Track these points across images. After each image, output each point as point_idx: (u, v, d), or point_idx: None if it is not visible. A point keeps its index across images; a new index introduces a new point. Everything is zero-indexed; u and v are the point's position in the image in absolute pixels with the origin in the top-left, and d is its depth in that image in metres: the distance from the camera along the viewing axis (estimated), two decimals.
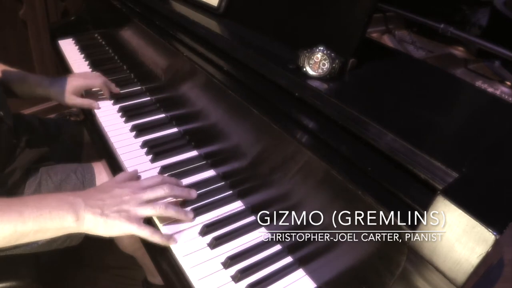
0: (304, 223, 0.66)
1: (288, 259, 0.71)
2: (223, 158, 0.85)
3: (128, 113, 1.05)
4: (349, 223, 0.58)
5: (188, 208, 0.76)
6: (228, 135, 0.83)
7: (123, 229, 0.66)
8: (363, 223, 0.56)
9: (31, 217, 0.61)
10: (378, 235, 0.53)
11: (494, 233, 0.40)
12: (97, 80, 1.11)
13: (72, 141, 1.25)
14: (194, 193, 0.78)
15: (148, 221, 0.73)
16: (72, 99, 1.09)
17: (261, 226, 0.76)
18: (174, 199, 0.76)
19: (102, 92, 1.13)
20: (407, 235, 0.48)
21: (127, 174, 0.79)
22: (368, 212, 0.54)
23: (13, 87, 1.10)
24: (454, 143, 0.59)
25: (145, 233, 0.67)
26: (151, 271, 1.31)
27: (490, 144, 0.58)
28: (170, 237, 0.70)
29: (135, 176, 0.81)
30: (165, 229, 0.73)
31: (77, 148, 1.26)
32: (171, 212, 0.71)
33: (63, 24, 1.63)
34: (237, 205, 0.80)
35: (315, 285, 0.67)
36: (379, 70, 0.80)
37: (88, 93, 1.13)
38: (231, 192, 0.82)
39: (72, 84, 1.09)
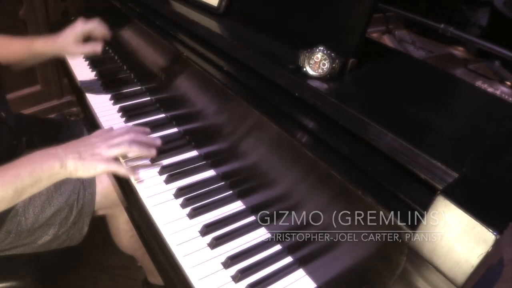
0: (304, 223, 0.66)
1: (288, 259, 0.71)
2: (223, 158, 0.85)
3: (128, 113, 1.05)
4: (349, 223, 0.58)
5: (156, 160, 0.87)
6: (228, 135, 0.83)
7: (98, 169, 0.77)
8: (363, 223, 0.56)
9: (26, 173, 0.72)
10: (378, 235, 0.53)
11: (494, 233, 0.40)
12: (94, 23, 1.09)
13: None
14: (158, 141, 0.87)
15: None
16: (75, 47, 1.08)
17: (261, 226, 0.76)
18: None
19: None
20: (407, 235, 0.48)
21: (102, 130, 0.89)
22: (368, 212, 0.54)
23: (20, 59, 1.09)
24: (454, 143, 0.59)
25: (113, 167, 0.79)
26: (151, 271, 1.31)
27: (490, 144, 0.58)
28: (133, 170, 0.84)
29: (111, 130, 0.90)
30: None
31: None
32: (134, 149, 0.82)
33: (63, 24, 1.62)
34: (237, 205, 0.80)
35: (315, 285, 0.67)
36: (379, 70, 0.80)
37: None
38: (231, 192, 0.82)
39: (72, 31, 1.08)
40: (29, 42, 1.08)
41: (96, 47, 1.07)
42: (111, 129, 0.89)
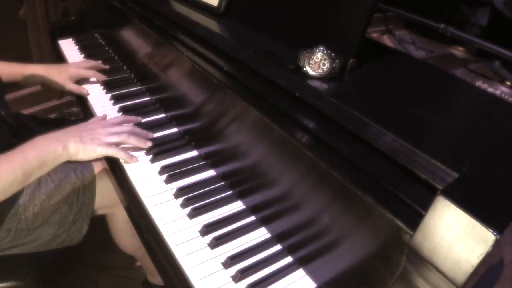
0: (304, 223, 0.66)
1: (288, 259, 0.71)
2: (223, 158, 0.85)
3: (128, 113, 1.05)
4: (349, 223, 0.58)
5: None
6: (228, 135, 0.83)
7: (97, 152, 0.84)
8: (363, 223, 0.56)
9: (33, 156, 0.78)
10: (378, 235, 0.53)
11: (494, 233, 0.40)
12: (88, 73, 1.19)
13: None
14: (150, 134, 0.94)
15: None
16: (66, 84, 1.16)
17: (261, 226, 0.76)
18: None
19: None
20: (407, 235, 0.48)
21: (97, 117, 0.99)
22: (368, 212, 0.54)
23: (14, 80, 1.16)
24: (454, 143, 0.59)
25: (113, 151, 0.86)
26: (151, 271, 1.31)
27: (490, 144, 0.58)
28: (132, 156, 0.88)
29: (105, 118, 0.99)
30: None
31: None
32: (132, 141, 0.88)
33: (63, 24, 1.63)
34: (237, 205, 0.80)
35: (315, 285, 0.67)
36: (379, 70, 0.80)
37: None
38: (231, 192, 0.82)
39: (70, 70, 1.17)
40: (23, 67, 1.16)
41: (84, 91, 1.16)
42: (105, 116, 0.99)
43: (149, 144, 0.91)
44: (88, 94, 1.15)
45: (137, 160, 0.88)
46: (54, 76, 1.16)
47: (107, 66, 1.24)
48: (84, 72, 1.18)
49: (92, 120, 0.95)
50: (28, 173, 0.77)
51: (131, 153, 0.89)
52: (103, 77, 1.19)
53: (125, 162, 0.88)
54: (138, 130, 0.92)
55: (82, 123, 0.91)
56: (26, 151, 0.78)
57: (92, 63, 1.22)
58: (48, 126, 1.21)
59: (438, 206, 0.44)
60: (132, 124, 0.95)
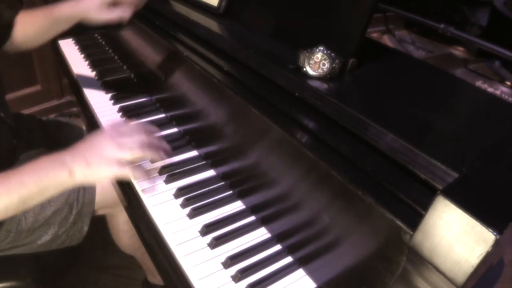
0: (304, 223, 0.66)
1: (288, 259, 0.71)
2: (223, 158, 0.85)
3: (128, 113, 1.05)
4: (349, 223, 0.58)
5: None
6: (228, 135, 0.83)
7: (108, 173, 0.71)
8: (363, 223, 0.56)
9: (31, 182, 0.68)
10: (378, 235, 0.53)
11: (494, 233, 0.40)
12: None
13: (71, 141, 1.25)
14: (165, 144, 0.81)
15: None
16: (101, 13, 0.96)
17: (261, 226, 0.76)
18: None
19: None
20: (407, 235, 0.48)
21: (111, 125, 0.80)
22: (368, 212, 0.54)
23: (46, 29, 1.02)
24: (454, 143, 0.59)
25: (125, 171, 0.72)
26: (151, 271, 1.31)
27: (490, 144, 0.58)
28: (146, 173, 0.77)
29: (118, 124, 0.81)
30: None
31: None
32: (147, 153, 0.75)
33: None
34: (237, 205, 0.80)
35: (315, 285, 0.67)
36: (379, 70, 0.80)
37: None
38: (231, 192, 0.82)
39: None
40: (50, 8, 0.99)
41: (124, 14, 0.96)
42: (120, 123, 0.82)
43: (165, 156, 0.81)
44: (127, 18, 0.97)
45: (154, 177, 0.80)
46: (87, 10, 0.96)
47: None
48: None
49: (103, 131, 0.79)
50: (25, 199, 0.68)
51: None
52: None
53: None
54: (154, 139, 0.79)
55: (92, 137, 0.77)
56: (25, 173, 0.69)
57: None
58: (48, 126, 1.21)
59: (438, 206, 0.44)
60: (147, 130, 0.80)
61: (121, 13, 0.96)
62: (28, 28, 0.99)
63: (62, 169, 0.70)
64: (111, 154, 0.71)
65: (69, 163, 0.70)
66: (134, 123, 0.81)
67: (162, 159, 0.80)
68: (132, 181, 0.84)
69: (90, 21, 0.98)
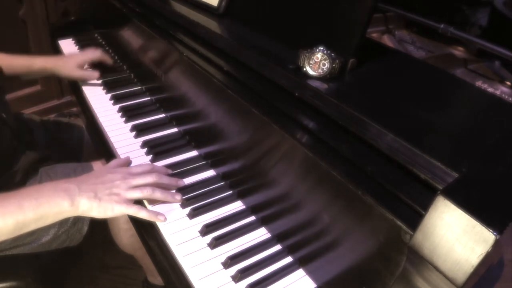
0: (304, 223, 0.66)
1: (288, 259, 0.71)
2: (223, 158, 0.85)
3: (128, 113, 1.05)
4: (349, 223, 0.58)
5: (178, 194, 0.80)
6: (228, 135, 0.83)
7: (115, 211, 0.71)
8: (363, 223, 0.56)
9: (31, 207, 0.66)
10: (378, 235, 0.53)
11: (494, 233, 0.40)
12: (95, 53, 1.22)
13: (72, 141, 1.25)
14: (181, 182, 0.81)
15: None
16: (74, 71, 1.17)
17: (261, 226, 0.76)
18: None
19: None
20: (407, 235, 0.48)
21: (119, 161, 0.84)
22: (368, 212, 0.54)
23: (19, 73, 1.17)
24: (454, 143, 0.59)
25: (133, 210, 0.72)
26: (151, 271, 1.31)
27: (490, 144, 0.58)
28: (157, 213, 0.75)
29: (127, 163, 0.85)
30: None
31: (77, 148, 1.26)
32: (158, 195, 0.75)
33: (63, 24, 1.63)
34: (237, 205, 0.80)
35: (315, 285, 0.67)
36: (379, 70, 0.80)
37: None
38: (231, 192, 0.82)
39: (76, 57, 1.20)
40: (29, 59, 1.15)
41: (94, 74, 1.17)
42: (127, 161, 0.84)
43: (178, 198, 0.78)
44: (99, 76, 1.18)
45: (165, 219, 0.75)
46: (62, 67, 1.16)
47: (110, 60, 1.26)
48: (91, 55, 1.20)
49: (111, 164, 0.81)
50: (21, 224, 0.66)
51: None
52: (109, 59, 1.23)
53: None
54: (166, 180, 0.78)
55: (100, 170, 0.78)
56: (25, 197, 0.67)
57: (97, 51, 1.24)
58: (48, 126, 1.21)
59: (438, 206, 0.44)
60: (158, 171, 0.80)
61: (91, 74, 1.17)
62: (7, 70, 1.10)
63: (64, 197, 0.69)
64: (121, 191, 0.72)
65: (73, 193, 0.69)
66: (146, 164, 0.83)
67: (177, 201, 0.78)
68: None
69: (62, 76, 1.19)
